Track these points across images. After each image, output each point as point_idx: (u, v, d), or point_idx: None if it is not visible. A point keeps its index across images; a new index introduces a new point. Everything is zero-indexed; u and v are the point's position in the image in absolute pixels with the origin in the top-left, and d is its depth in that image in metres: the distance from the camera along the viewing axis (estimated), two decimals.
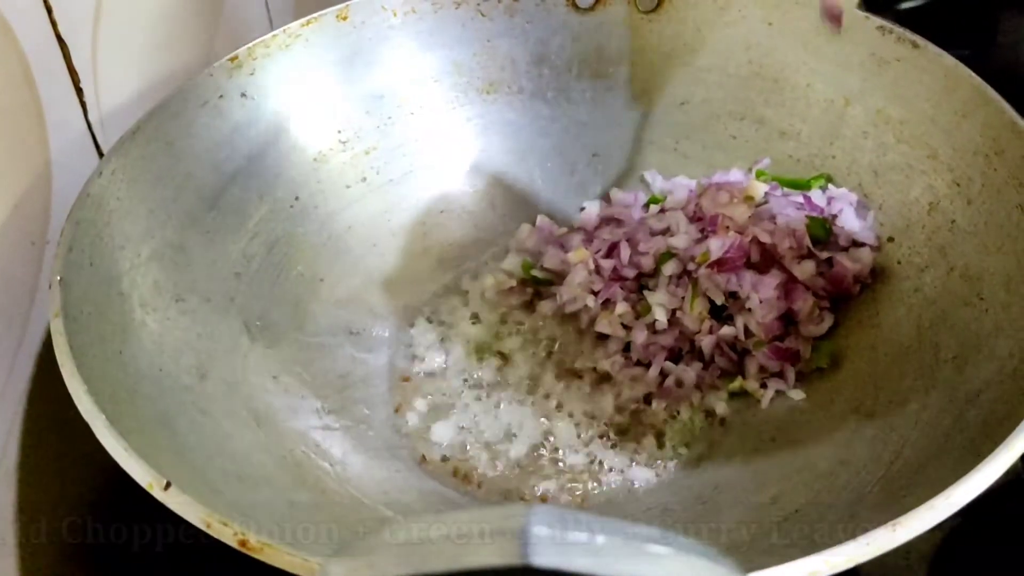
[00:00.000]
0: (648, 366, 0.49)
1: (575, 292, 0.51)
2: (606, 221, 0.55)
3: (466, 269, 0.55)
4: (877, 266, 0.49)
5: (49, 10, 0.42)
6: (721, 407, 0.47)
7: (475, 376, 0.50)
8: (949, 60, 0.48)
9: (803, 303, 0.48)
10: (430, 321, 0.53)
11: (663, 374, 0.48)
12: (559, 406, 0.48)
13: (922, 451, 0.38)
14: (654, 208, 0.54)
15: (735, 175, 0.54)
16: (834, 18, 0.50)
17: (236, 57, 0.51)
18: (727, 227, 0.49)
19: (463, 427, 0.48)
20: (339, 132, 0.55)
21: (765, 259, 0.49)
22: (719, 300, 0.48)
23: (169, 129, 0.47)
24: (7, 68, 0.41)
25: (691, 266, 0.49)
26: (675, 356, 0.49)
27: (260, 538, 0.31)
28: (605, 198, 0.57)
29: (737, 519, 0.40)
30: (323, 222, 0.53)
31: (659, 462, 0.45)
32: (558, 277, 0.53)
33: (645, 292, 0.50)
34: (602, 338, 0.51)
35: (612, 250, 0.52)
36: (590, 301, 0.51)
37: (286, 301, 0.50)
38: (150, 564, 0.45)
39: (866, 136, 0.51)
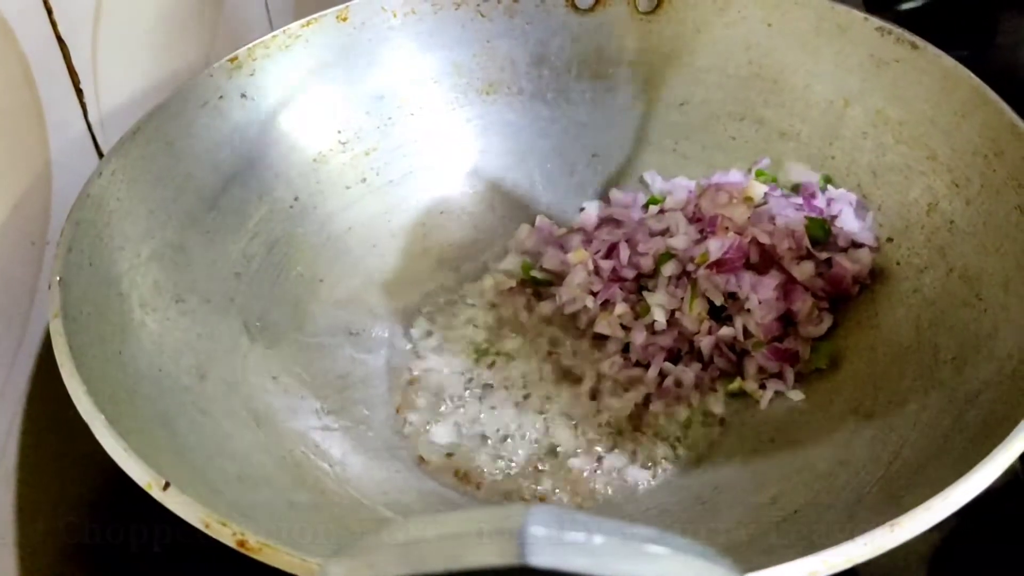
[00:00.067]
0: (647, 367, 0.49)
1: (574, 293, 0.51)
2: (605, 222, 0.55)
3: (466, 270, 0.55)
4: (876, 267, 0.49)
5: (49, 11, 0.42)
6: (720, 408, 0.47)
7: (474, 377, 0.50)
8: (948, 61, 0.48)
9: (802, 304, 0.48)
10: (430, 321, 0.53)
11: (662, 375, 0.49)
12: (558, 407, 0.48)
13: (921, 451, 0.38)
14: (653, 209, 0.54)
15: (734, 176, 0.54)
16: None
17: (236, 58, 0.51)
18: (726, 228, 0.49)
19: (462, 428, 0.48)
20: (339, 133, 0.55)
21: (764, 260, 0.49)
22: (718, 301, 0.48)
23: (169, 129, 0.48)
24: (7, 69, 0.41)
25: (690, 267, 0.49)
26: (674, 357, 0.49)
27: (259, 538, 0.31)
28: (604, 199, 0.57)
29: (736, 520, 0.40)
30: (323, 223, 0.53)
31: (658, 463, 0.45)
32: (557, 278, 0.53)
33: (644, 293, 0.50)
34: (601, 339, 0.51)
35: (611, 251, 0.52)
36: (589, 302, 0.51)
37: (286, 301, 0.50)
38: (149, 564, 0.45)
39: (865, 137, 0.51)
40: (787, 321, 0.48)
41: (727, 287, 0.48)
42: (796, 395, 0.47)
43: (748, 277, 0.48)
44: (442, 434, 0.47)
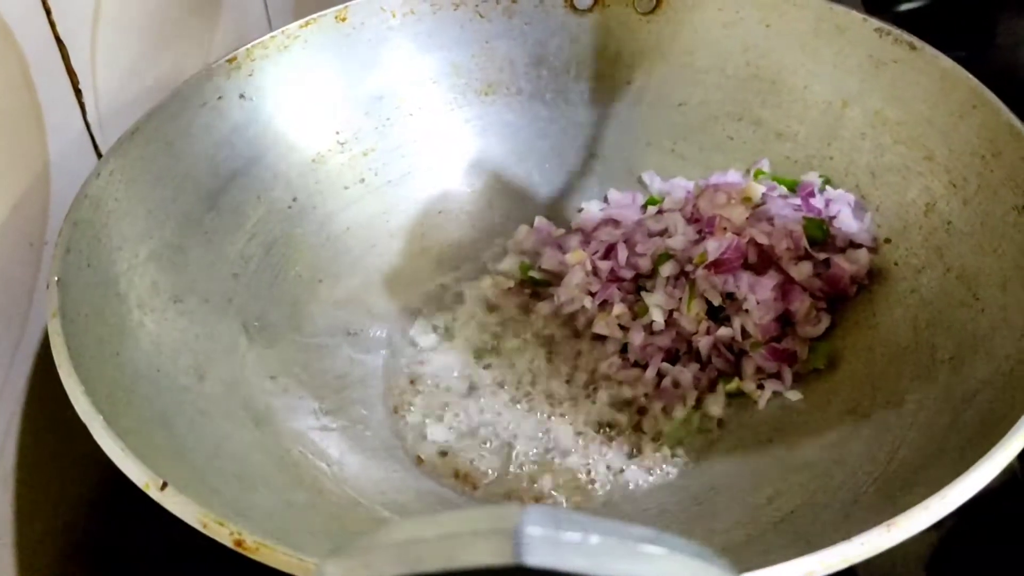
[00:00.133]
0: (645, 367, 0.49)
1: (572, 293, 0.51)
2: (604, 222, 0.55)
3: (464, 270, 0.55)
4: (874, 267, 0.49)
5: (48, 11, 0.42)
6: (718, 408, 0.47)
7: (472, 377, 0.50)
8: (946, 62, 0.48)
9: (800, 304, 0.48)
10: (428, 322, 0.53)
11: (660, 375, 0.49)
12: (556, 407, 0.48)
13: (919, 451, 0.38)
14: (652, 209, 0.55)
15: (732, 176, 0.54)
16: None
17: (235, 58, 0.51)
18: (724, 228, 0.49)
19: (460, 428, 0.48)
20: (337, 133, 0.55)
21: (762, 260, 0.49)
22: (716, 301, 0.48)
23: (168, 130, 0.48)
24: (6, 69, 0.41)
25: (688, 267, 0.49)
26: (672, 357, 0.49)
27: (256, 538, 0.31)
28: (603, 199, 0.57)
29: (734, 520, 0.40)
30: (321, 223, 0.53)
31: (656, 463, 0.45)
32: (556, 278, 0.53)
33: (643, 293, 0.50)
34: (599, 339, 0.51)
35: (610, 251, 0.52)
36: (587, 302, 0.51)
37: (284, 302, 0.50)
38: (147, 564, 0.45)
39: (863, 137, 0.51)
40: (785, 321, 0.48)
41: (725, 287, 0.48)
42: (794, 395, 0.47)
43: (746, 277, 0.48)
44: (440, 434, 0.47)
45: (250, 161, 0.51)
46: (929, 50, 0.49)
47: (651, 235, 0.52)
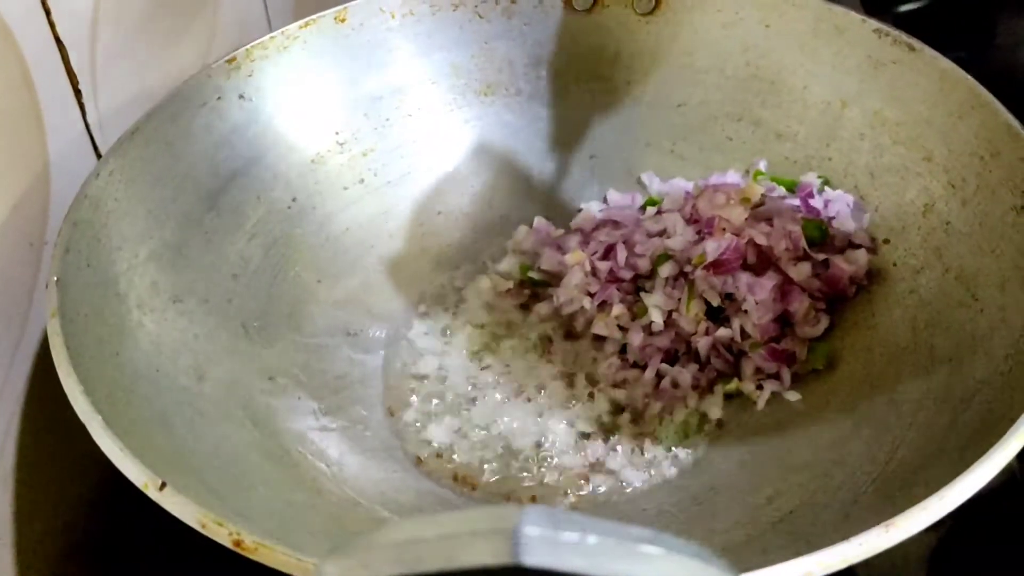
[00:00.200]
0: (644, 368, 0.49)
1: (571, 294, 0.51)
2: (603, 223, 0.55)
3: (463, 271, 0.55)
4: (873, 268, 0.49)
5: (48, 12, 0.42)
6: (717, 409, 0.47)
7: (471, 377, 0.50)
8: (945, 63, 0.48)
9: (799, 305, 0.48)
10: (427, 322, 0.53)
11: (659, 376, 0.49)
12: (555, 408, 0.48)
13: (917, 452, 0.38)
14: (651, 210, 0.54)
15: (732, 177, 0.54)
16: None
17: (234, 59, 0.51)
18: (723, 229, 0.49)
19: (459, 428, 0.48)
20: (337, 134, 0.55)
21: (761, 261, 0.49)
22: (715, 302, 0.48)
23: (167, 130, 0.48)
24: (6, 70, 0.41)
25: (687, 268, 0.49)
26: (671, 358, 0.49)
27: (255, 538, 0.31)
28: (602, 199, 0.57)
29: (733, 520, 0.40)
30: (321, 223, 0.53)
31: (655, 464, 0.45)
32: (555, 279, 0.53)
33: (642, 294, 0.50)
34: (598, 340, 0.51)
35: (609, 252, 0.52)
36: (586, 303, 0.51)
37: (283, 302, 0.50)
38: (146, 564, 0.45)
39: (862, 138, 0.51)
40: (784, 322, 0.48)
41: (724, 288, 0.48)
42: (793, 396, 0.47)
43: (745, 278, 0.48)
44: (439, 434, 0.47)
45: (250, 161, 0.51)
46: (928, 51, 0.49)
47: (650, 236, 0.52)
